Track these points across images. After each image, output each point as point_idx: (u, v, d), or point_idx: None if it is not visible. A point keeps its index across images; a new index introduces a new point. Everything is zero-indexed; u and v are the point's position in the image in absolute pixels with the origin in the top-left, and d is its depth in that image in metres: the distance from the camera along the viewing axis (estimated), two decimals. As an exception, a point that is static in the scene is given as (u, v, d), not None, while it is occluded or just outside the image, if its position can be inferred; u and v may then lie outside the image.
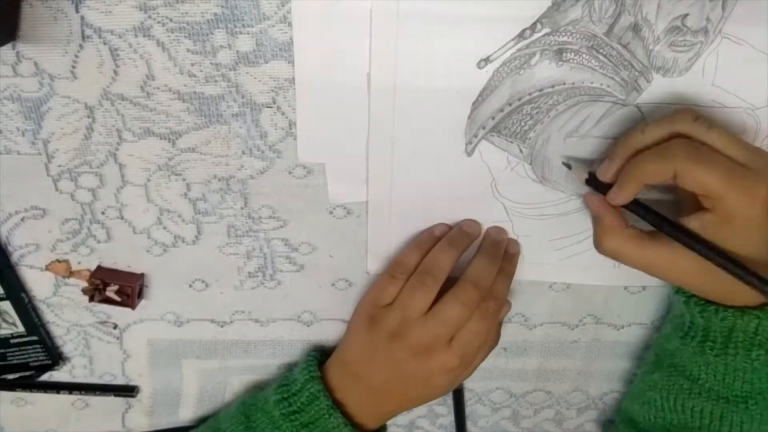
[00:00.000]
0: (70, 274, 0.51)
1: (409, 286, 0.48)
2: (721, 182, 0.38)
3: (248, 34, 0.41)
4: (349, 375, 0.51)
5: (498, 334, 0.51)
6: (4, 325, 0.52)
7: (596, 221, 0.44)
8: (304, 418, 0.49)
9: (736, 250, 0.40)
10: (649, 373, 0.52)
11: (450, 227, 0.50)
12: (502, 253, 0.50)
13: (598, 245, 0.44)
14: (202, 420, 0.59)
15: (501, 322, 0.51)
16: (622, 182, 0.42)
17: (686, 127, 0.40)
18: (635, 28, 0.41)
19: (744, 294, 0.42)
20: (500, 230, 0.50)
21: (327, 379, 0.51)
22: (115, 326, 0.54)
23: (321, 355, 0.54)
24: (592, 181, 0.44)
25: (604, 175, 0.43)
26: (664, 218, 0.42)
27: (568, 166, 0.45)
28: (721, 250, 0.40)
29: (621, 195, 0.42)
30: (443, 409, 0.63)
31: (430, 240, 0.49)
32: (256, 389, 0.58)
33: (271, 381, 0.55)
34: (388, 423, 0.54)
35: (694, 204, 0.41)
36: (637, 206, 0.42)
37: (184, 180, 0.47)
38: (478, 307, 0.47)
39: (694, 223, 0.41)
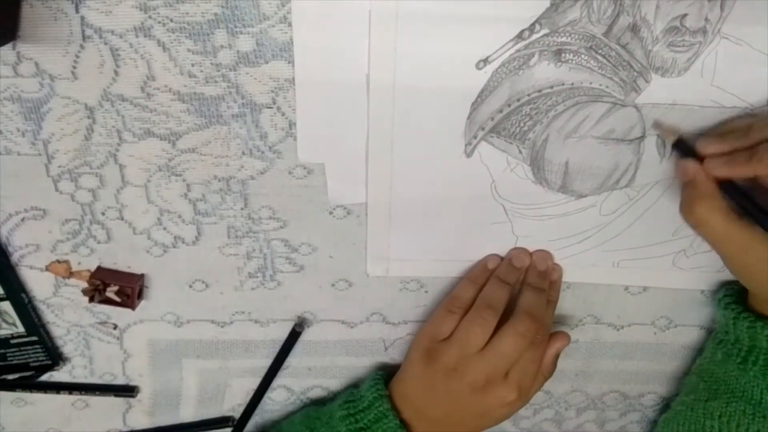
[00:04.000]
0: (70, 274, 0.51)
1: (467, 320, 0.49)
2: None
3: (248, 34, 0.41)
4: (410, 407, 0.52)
5: (554, 364, 0.52)
6: (4, 325, 0.53)
7: (690, 186, 0.44)
8: None
9: None
10: (703, 401, 0.52)
11: (501, 258, 0.51)
12: (548, 283, 0.51)
13: (688, 211, 0.44)
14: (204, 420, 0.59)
15: (558, 354, 0.52)
16: (753, 159, 0.41)
17: None
18: (634, 28, 0.41)
19: None
20: (545, 258, 0.51)
21: (391, 400, 0.52)
22: (115, 327, 0.54)
23: (386, 374, 0.55)
24: (680, 146, 0.44)
25: (710, 147, 0.43)
26: (754, 202, 0.42)
27: (659, 129, 0.45)
28: None
29: (741, 169, 0.41)
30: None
31: (483, 273, 0.51)
32: (318, 404, 0.59)
33: (335, 396, 0.57)
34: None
35: None
36: (729, 185, 0.43)
37: (184, 181, 0.47)
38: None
39: None
